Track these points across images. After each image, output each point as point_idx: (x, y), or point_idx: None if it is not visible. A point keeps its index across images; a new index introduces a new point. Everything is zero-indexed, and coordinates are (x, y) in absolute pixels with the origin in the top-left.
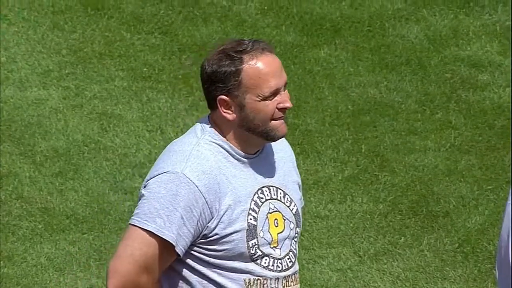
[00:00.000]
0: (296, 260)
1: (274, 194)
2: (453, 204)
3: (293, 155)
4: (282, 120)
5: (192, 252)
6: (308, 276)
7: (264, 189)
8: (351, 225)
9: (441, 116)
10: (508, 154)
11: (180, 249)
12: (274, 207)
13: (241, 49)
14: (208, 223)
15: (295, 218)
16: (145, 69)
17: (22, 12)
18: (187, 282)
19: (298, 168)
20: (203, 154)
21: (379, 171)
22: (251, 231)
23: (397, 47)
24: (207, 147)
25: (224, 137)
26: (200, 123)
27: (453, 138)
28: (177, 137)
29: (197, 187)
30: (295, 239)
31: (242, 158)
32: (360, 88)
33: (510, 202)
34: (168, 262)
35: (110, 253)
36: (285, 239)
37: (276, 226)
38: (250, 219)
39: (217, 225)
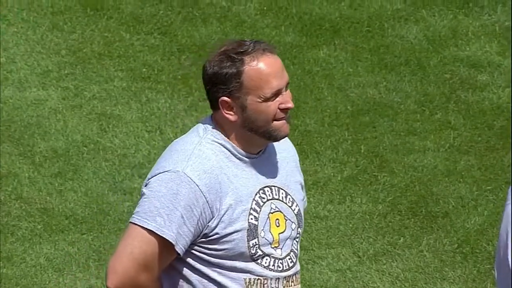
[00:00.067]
0: (297, 260)
1: (276, 194)
2: (452, 204)
3: (297, 155)
4: (284, 120)
5: (193, 251)
6: (308, 276)
7: (266, 189)
8: (350, 225)
9: (440, 117)
10: (507, 155)
11: (180, 248)
12: (276, 207)
13: (242, 50)
14: (208, 222)
15: (296, 219)
16: (144, 69)
17: (21, 13)
18: (187, 281)
19: None
20: (204, 153)
21: (378, 172)
22: (252, 231)
23: (396, 48)
24: (209, 147)
25: (227, 137)
26: (203, 122)
27: (452, 139)
28: (176, 138)
29: (198, 187)
30: (297, 240)
31: (244, 158)
32: (359, 88)
33: (509, 202)
34: (168, 261)
35: (109, 254)
36: (287, 239)
37: (278, 226)
38: (251, 219)
39: (217, 224)
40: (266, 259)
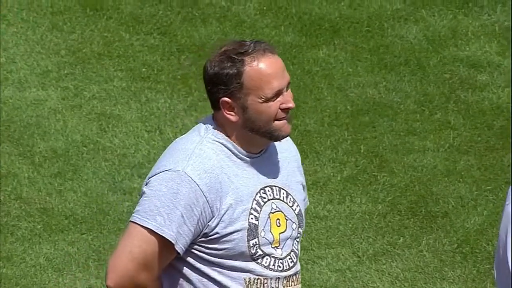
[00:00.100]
0: (298, 260)
1: (276, 194)
2: (452, 204)
3: (298, 155)
4: (285, 120)
5: (193, 250)
6: (307, 276)
7: (266, 188)
8: (350, 225)
9: (440, 117)
10: (507, 155)
11: (180, 248)
12: (277, 207)
13: (242, 51)
14: (208, 222)
15: (297, 219)
16: (144, 69)
17: (21, 13)
18: (188, 280)
19: None
20: (205, 152)
21: (378, 172)
22: (252, 231)
23: (396, 48)
24: (210, 146)
25: (228, 136)
26: (204, 122)
27: (452, 139)
28: (176, 138)
29: (198, 186)
30: (297, 240)
31: (245, 158)
32: (359, 88)
33: (508, 202)
34: (168, 260)
35: (109, 254)
36: (287, 239)
37: (278, 226)
38: (252, 218)
39: (217, 224)
40: (267, 259)
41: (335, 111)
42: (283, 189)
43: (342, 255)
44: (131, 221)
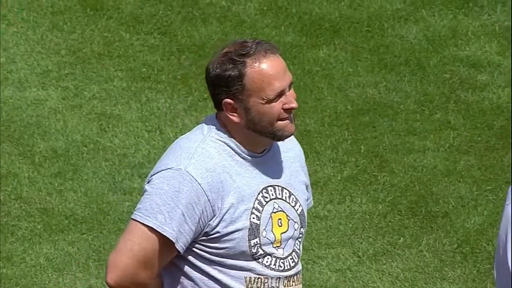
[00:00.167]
0: (299, 260)
1: (279, 194)
2: (452, 204)
3: (302, 155)
4: (288, 120)
5: (193, 249)
6: (307, 276)
7: (269, 188)
8: (350, 225)
9: (440, 117)
10: (507, 155)
11: (180, 246)
12: (279, 206)
13: (244, 52)
14: (209, 221)
15: (299, 219)
16: (144, 69)
17: (21, 13)
18: (188, 278)
19: None
20: (208, 151)
21: (378, 172)
22: (253, 230)
23: (396, 48)
24: (212, 145)
25: (231, 136)
26: (207, 121)
27: (452, 139)
28: (176, 138)
29: (200, 185)
30: (299, 240)
31: (248, 157)
32: (359, 88)
33: (508, 202)
34: (168, 258)
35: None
36: (289, 239)
37: (280, 226)
38: (253, 218)
39: (218, 223)
40: (268, 258)
41: (335, 111)
42: (285, 188)
43: (342, 255)
44: (132, 218)
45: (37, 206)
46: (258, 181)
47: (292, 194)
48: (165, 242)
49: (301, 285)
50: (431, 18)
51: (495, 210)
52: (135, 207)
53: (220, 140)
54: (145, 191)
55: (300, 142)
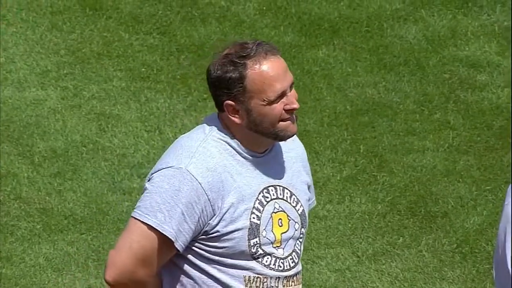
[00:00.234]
0: (300, 260)
1: (280, 194)
2: (451, 204)
3: (305, 154)
4: (290, 121)
5: (193, 247)
6: (307, 276)
7: (270, 188)
8: (350, 225)
9: (440, 117)
10: (506, 155)
11: (179, 245)
12: (280, 206)
13: (244, 54)
14: (209, 220)
15: (300, 219)
16: (143, 69)
17: (20, 13)
18: (188, 276)
19: None
20: (209, 151)
21: (378, 172)
22: (253, 230)
23: (396, 48)
24: (213, 144)
25: (233, 136)
26: (209, 121)
27: (452, 139)
28: (175, 138)
29: (200, 184)
30: (300, 240)
31: (249, 157)
32: (358, 88)
33: (507, 202)
34: (168, 257)
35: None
36: (289, 239)
37: (280, 226)
38: (253, 218)
39: (218, 222)
40: (267, 258)
41: (335, 111)
42: (287, 189)
43: (342, 255)
44: (132, 216)
45: (37, 206)
46: (259, 181)
47: (293, 194)
48: (164, 241)
49: (300, 285)
50: (430, 18)
51: (494, 210)
52: (134, 207)
53: (222, 140)
54: (145, 189)
55: None
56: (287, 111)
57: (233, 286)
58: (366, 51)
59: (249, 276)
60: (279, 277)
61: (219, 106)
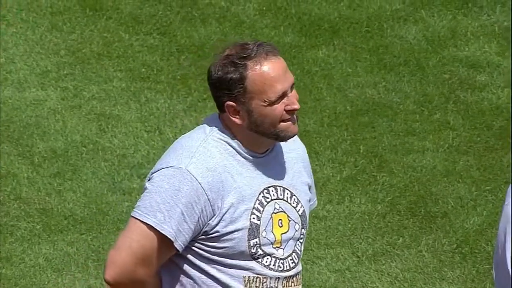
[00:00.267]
0: (300, 261)
1: (280, 195)
2: (451, 204)
3: (306, 155)
4: (291, 121)
5: (193, 247)
6: (306, 276)
7: (270, 188)
8: (349, 225)
9: (440, 117)
10: (506, 155)
11: (179, 245)
12: (280, 207)
13: (245, 55)
14: (209, 220)
15: (300, 219)
16: (143, 69)
17: (20, 13)
18: (187, 276)
19: None
20: (209, 151)
21: (377, 172)
22: (253, 230)
23: (396, 48)
24: (214, 144)
25: (234, 136)
26: (210, 121)
27: (451, 139)
28: (176, 138)
29: (200, 184)
30: (300, 240)
31: (250, 157)
32: (358, 88)
33: (507, 203)
34: (167, 256)
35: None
36: (289, 240)
37: (280, 227)
38: (253, 218)
39: (218, 222)
40: (267, 259)
41: (335, 112)
42: (287, 189)
43: (342, 255)
44: (131, 216)
45: (36, 206)
46: (260, 181)
47: (294, 195)
48: (163, 241)
49: (300, 286)
50: (430, 18)
51: (494, 211)
52: (135, 206)
53: (222, 140)
54: (145, 188)
55: None
56: (288, 111)
57: (232, 286)
58: (366, 51)
59: (249, 276)
60: (278, 278)
61: (220, 106)
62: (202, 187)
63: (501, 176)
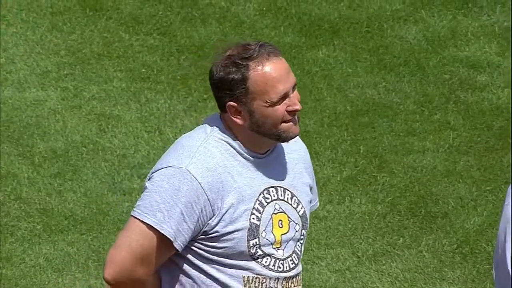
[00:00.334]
0: (300, 262)
1: (281, 195)
2: (451, 205)
3: (308, 156)
4: (292, 122)
5: (192, 247)
6: (307, 277)
7: (271, 189)
8: (350, 226)
9: (440, 117)
10: (506, 155)
11: (178, 245)
12: (280, 208)
13: (247, 55)
14: (209, 220)
15: (301, 220)
16: (143, 70)
17: (20, 13)
18: (187, 276)
19: None
20: (210, 151)
21: (378, 172)
22: (253, 231)
23: (396, 48)
24: (214, 144)
25: (235, 136)
26: (211, 121)
27: (452, 139)
28: (176, 138)
29: (200, 184)
30: (301, 241)
31: (250, 157)
32: (358, 89)
33: (507, 203)
34: (166, 256)
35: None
36: (289, 241)
37: (281, 227)
38: (253, 218)
39: (218, 222)
40: (267, 259)
41: (335, 112)
42: (288, 190)
43: (342, 255)
44: (131, 215)
45: (37, 206)
46: (260, 181)
47: (295, 196)
48: (163, 240)
49: (300, 287)
50: (430, 18)
51: (494, 211)
52: (135, 205)
53: (223, 140)
54: (145, 188)
55: None
56: (289, 112)
57: (232, 286)
58: (366, 51)
59: (248, 277)
60: (278, 278)
61: (221, 107)
62: (202, 187)
63: (502, 176)
